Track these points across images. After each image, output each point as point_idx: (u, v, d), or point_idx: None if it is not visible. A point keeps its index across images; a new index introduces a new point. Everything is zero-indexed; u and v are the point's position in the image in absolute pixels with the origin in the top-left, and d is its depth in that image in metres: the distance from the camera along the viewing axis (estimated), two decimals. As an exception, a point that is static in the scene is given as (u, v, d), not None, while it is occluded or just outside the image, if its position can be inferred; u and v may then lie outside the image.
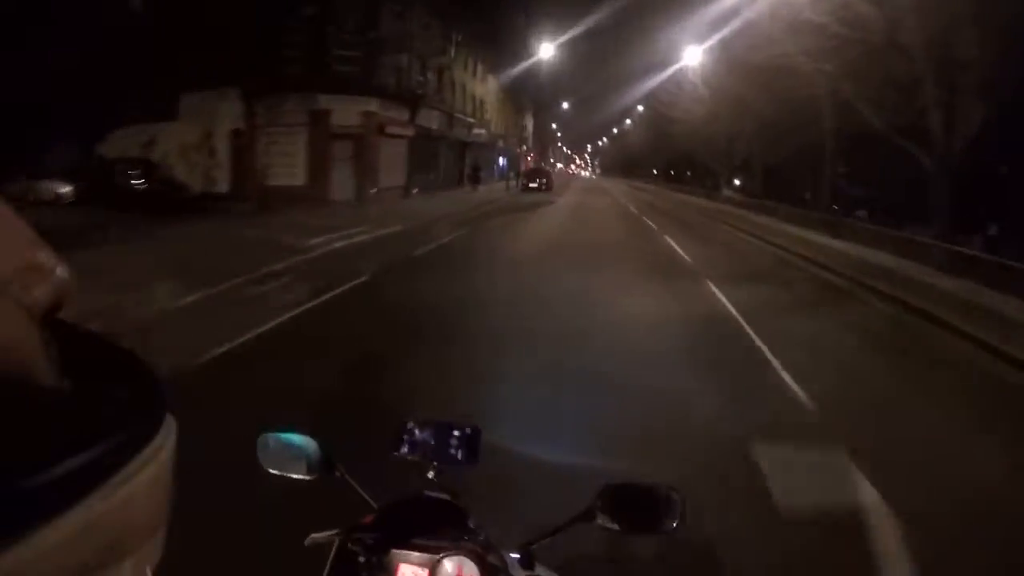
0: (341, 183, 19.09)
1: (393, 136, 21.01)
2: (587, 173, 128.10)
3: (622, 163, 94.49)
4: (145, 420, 0.30)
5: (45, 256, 0.30)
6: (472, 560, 0.97)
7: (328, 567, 1.02)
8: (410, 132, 22.78)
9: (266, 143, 18.25)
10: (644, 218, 20.56)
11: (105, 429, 0.27)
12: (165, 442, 0.31)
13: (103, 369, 0.32)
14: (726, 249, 14.11)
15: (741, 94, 22.98)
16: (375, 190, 19.55)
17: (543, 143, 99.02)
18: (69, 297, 0.31)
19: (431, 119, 25.48)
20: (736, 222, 19.59)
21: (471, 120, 33.70)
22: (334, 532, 1.05)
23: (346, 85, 18.50)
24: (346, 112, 18.82)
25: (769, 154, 25.65)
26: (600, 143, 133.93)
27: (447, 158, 30.28)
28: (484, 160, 38.62)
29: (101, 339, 0.33)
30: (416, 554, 1.00)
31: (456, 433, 1.18)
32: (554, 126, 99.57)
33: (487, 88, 40.56)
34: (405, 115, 22.40)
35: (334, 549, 1.03)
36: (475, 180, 30.13)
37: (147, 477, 0.29)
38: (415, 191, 23.53)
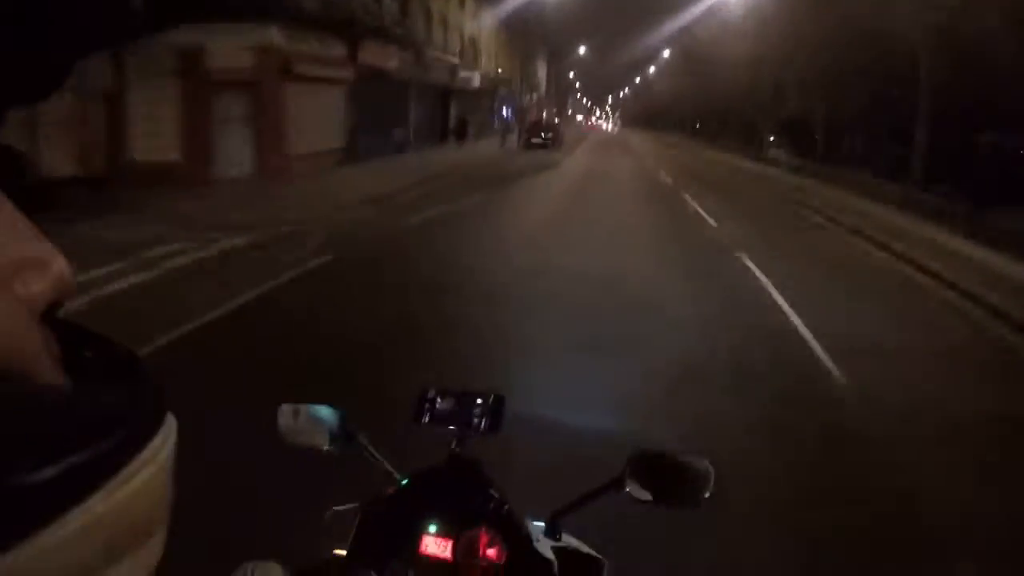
0: (231, 153, 13.66)
1: (317, 81, 15.20)
2: (608, 126, 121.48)
3: (646, 116, 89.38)
4: (145, 420, 0.32)
5: (46, 251, 0.33)
6: (497, 530, 1.02)
7: (351, 539, 1.06)
8: (347, 74, 16.87)
9: (139, 105, 13.15)
10: (685, 196, 14.33)
11: (105, 429, 0.29)
12: (165, 442, 0.33)
13: (103, 368, 0.34)
14: (874, 294, 7.31)
15: (801, 28, 19.22)
16: (285, 158, 13.88)
17: (561, 93, 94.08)
18: (70, 293, 0.33)
19: (388, 57, 19.26)
20: (833, 211, 13.34)
21: (454, 61, 26.99)
22: (356, 504, 1.10)
23: (232, 9, 12.68)
24: (230, 50, 13.13)
25: (834, 109, 20.99)
26: (622, 94, 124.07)
27: (421, 109, 24.12)
28: (477, 111, 32.97)
29: (101, 337, 0.36)
30: (440, 525, 1.04)
31: (479, 401, 1.20)
32: (572, 75, 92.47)
33: (479, 25, 34.06)
34: (340, 51, 16.53)
35: (356, 521, 1.08)
36: (461, 135, 24.27)
37: (147, 477, 0.30)
38: (363, 154, 17.44)
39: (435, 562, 1.04)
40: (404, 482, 1.11)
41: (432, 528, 1.05)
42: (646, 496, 1.10)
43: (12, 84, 0.32)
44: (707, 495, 1.09)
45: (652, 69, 73.31)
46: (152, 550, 0.31)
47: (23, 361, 0.27)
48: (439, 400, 1.21)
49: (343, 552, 1.06)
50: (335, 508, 1.14)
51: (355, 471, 1.17)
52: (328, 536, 1.08)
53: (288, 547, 1.08)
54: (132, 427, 0.29)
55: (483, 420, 1.19)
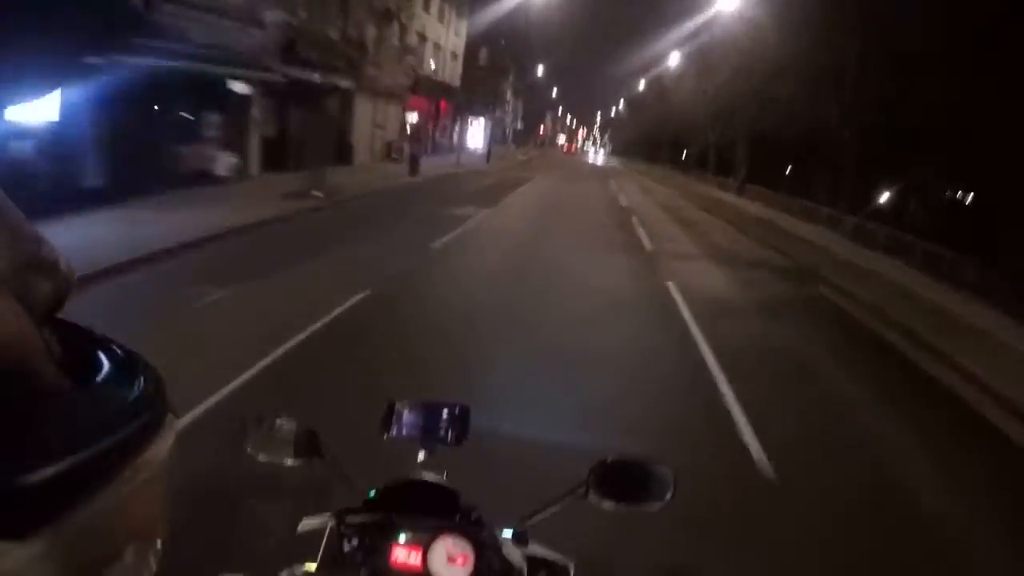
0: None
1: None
2: (594, 152, 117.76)
3: (643, 142, 77.09)
4: (146, 420, 0.34)
5: (47, 253, 0.35)
6: (465, 539, 1.18)
7: (321, 552, 1.22)
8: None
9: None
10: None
11: (106, 429, 0.31)
12: (165, 442, 0.35)
13: (104, 368, 0.37)
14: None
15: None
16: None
17: (538, 111, 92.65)
18: (71, 294, 0.37)
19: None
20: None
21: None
22: (326, 517, 1.24)
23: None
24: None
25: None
26: (614, 111, 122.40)
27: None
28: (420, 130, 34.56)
29: (103, 338, 0.39)
30: (409, 535, 1.18)
31: (445, 413, 1.38)
32: (554, 92, 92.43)
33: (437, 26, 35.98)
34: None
35: (327, 534, 1.22)
36: (413, 163, 23.73)
37: (147, 477, 0.33)
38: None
39: (406, 572, 1.20)
40: (372, 494, 1.26)
41: (402, 538, 1.19)
42: (608, 502, 1.29)
43: (17, 81, 0.37)
44: (668, 498, 1.28)
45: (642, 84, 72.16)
46: (152, 550, 0.35)
47: (25, 362, 0.30)
48: (406, 413, 1.38)
49: (313, 566, 1.22)
50: (306, 520, 1.28)
51: (327, 484, 1.36)
52: (300, 548, 1.23)
53: (262, 558, 1.27)
54: (133, 427, 0.33)
55: (449, 431, 1.37)
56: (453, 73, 40.51)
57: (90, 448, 0.29)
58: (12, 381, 0.28)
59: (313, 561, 1.23)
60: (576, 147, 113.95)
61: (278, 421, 1.37)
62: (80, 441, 0.29)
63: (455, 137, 41.68)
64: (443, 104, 39.18)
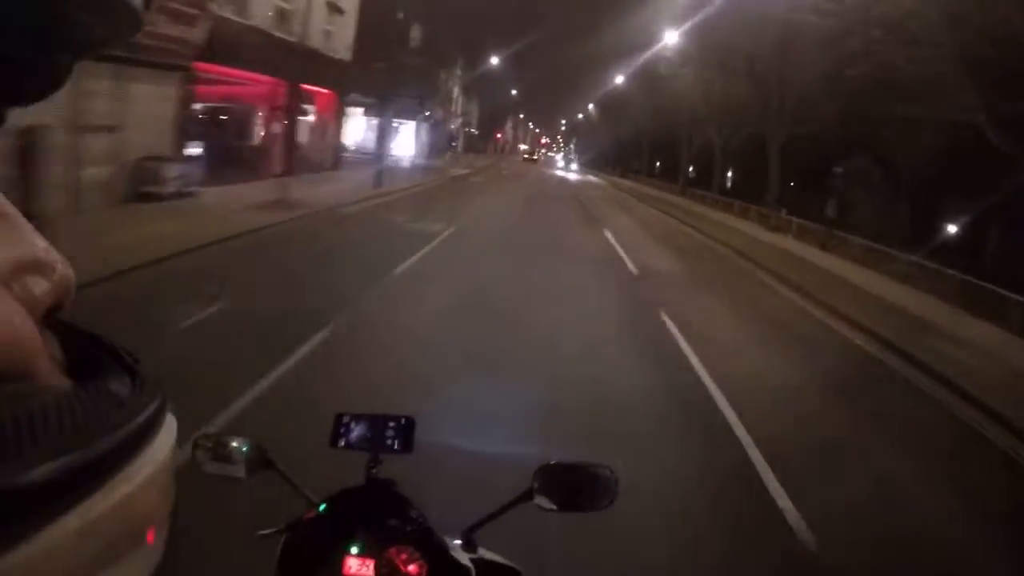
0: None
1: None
2: (562, 161, 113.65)
3: (621, 148, 72.95)
4: (145, 420, 0.36)
5: (47, 255, 0.37)
6: (416, 547, 1.31)
7: (276, 563, 1.35)
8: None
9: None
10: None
11: (105, 429, 0.33)
12: (165, 443, 0.37)
13: (104, 369, 0.38)
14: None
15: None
16: None
17: (497, 114, 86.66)
18: (70, 296, 0.38)
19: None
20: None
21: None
22: (279, 529, 1.41)
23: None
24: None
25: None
26: (581, 115, 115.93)
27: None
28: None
29: (102, 339, 0.41)
30: (361, 546, 1.33)
31: (391, 424, 1.54)
32: (514, 93, 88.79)
33: None
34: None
35: (280, 547, 1.37)
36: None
37: (147, 477, 0.34)
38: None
39: None
40: (323, 506, 1.41)
41: (354, 549, 1.33)
42: (553, 506, 1.46)
43: (12, 85, 0.38)
44: (610, 501, 1.46)
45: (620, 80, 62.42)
46: (152, 550, 0.38)
47: (24, 363, 0.32)
48: (353, 424, 1.56)
49: None
50: (260, 533, 1.42)
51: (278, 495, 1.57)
52: (256, 558, 1.40)
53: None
54: (132, 428, 0.35)
55: (395, 441, 1.53)
56: (337, 38, 26.80)
57: (89, 448, 0.31)
58: (11, 381, 0.31)
59: (268, 574, 1.35)
60: (540, 155, 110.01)
61: (229, 438, 1.54)
62: (79, 441, 0.31)
63: (334, 143, 29.47)
64: (308, 89, 24.87)
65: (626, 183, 59.79)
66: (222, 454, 1.51)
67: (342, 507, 1.40)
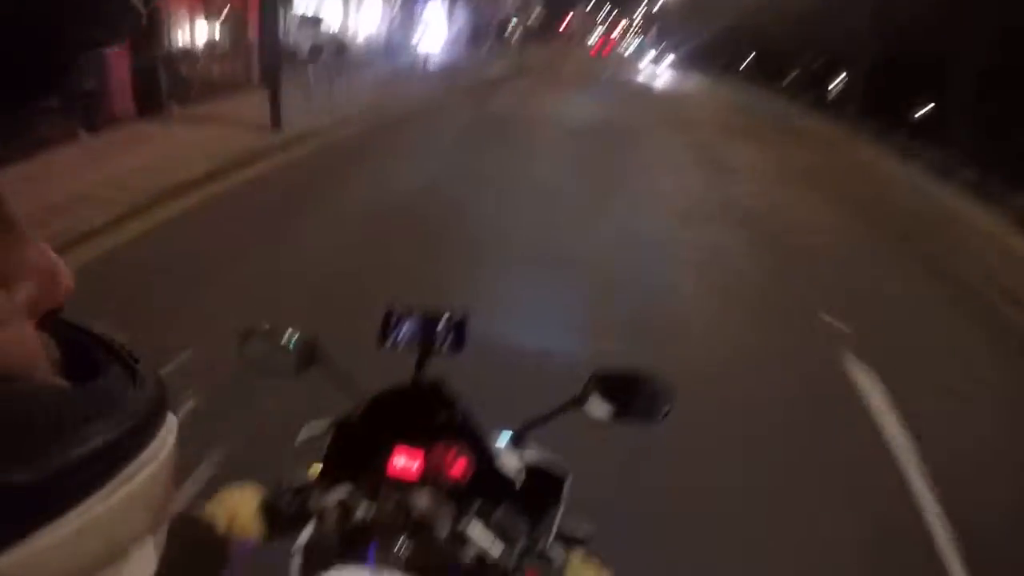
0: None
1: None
2: (640, 53, 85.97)
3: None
4: (145, 420, 0.36)
5: (45, 256, 0.38)
6: (463, 444, 1.38)
7: (324, 456, 1.43)
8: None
9: None
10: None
11: (105, 428, 0.33)
12: (165, 442, 0.37)
13: (103, 368, 0.38)
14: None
15: None
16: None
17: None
18: (69, 296, 0.38)
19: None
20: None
21: None
22: (326, 424, 1.46)
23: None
24: None
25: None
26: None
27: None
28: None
29: (102, 338, 0.41)
30: (408, 441, 1.38)
31: (443, 320, 1.55)
32: None
33: None
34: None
35: (327, 441, 1.44)
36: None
37: (147, 477, 0.35)
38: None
39: (405, 476, 1.43)
40: (372, 400, 1.48)
41: (401, 444, 1.42)
42: (606, 413, 1.50)
43: (7, 87, 0.37)
44: (666, 412, 1.49)
45: None
46: (152, 551, 0.38)
47: (23, 363, 0.34)
48: (404, 321, 1.59)
49: (316, 468, 1.46)
50: (307, 426, 1.50)
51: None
52: (301, 454, 1.46)
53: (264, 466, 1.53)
54: (132, 427, 0.36)
55: (447, 339, 1.57)
56: None
57: (88, 447, 0.32)
58: (9, 381, 0.32)
59: (314, 466, 1.44)
60: (610, 45, 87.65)
61: (279, 333, 1.56)
62: (78, 441, 0.32)
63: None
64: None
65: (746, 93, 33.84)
66: (270, 348, 1.55)
67: (390, 404, 1.47)
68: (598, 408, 1.48)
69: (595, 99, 23.90)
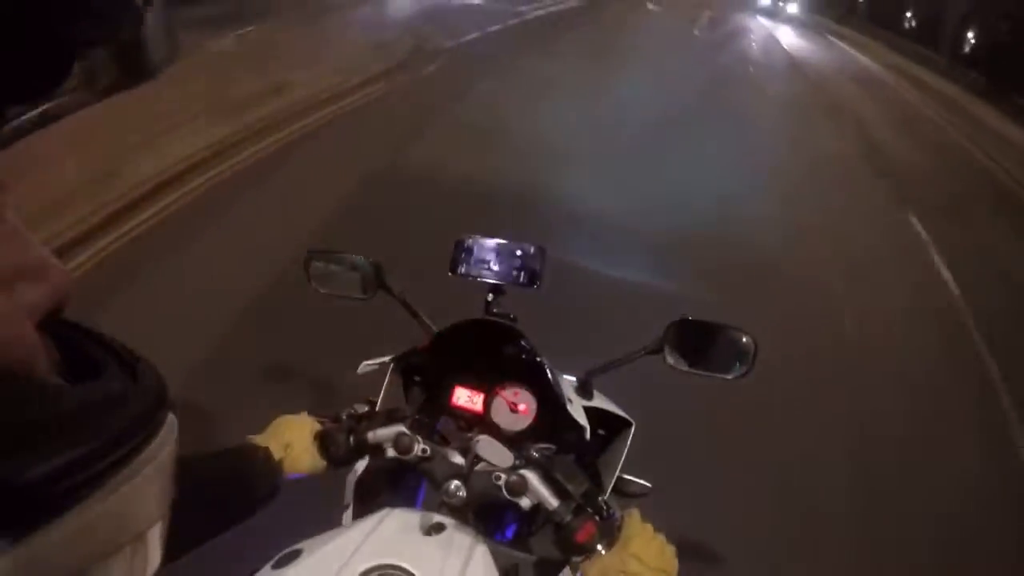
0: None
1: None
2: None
3: None
4: (146, 420, 0.38)
5: (45, 258, 0.39)
6: (528, 387, 1.34)
7: (383, 390, 1.40)
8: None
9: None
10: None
11: (105, 428, 0.34)
12: (165, 442, 0.39)
13: (103, 369, 0.40)
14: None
15: None
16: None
17: None
18: (68, 298, 0.39)
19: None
20: None
21: None
22: (390, 357, 1.43)
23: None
24: None
25: None
26: None
27: None
28: None
29: (102, 338, 0.42)
30: (472, 378, 1.37)
31: (519, 253, 1.48)
32: None
33: None
34: None
35: (388, 373, 1.42)
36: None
37: (147, 477, 0.36)
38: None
39: (467, 414, 1.38)
40: (438, 334, 1.44)
41: (464, 381, 1.38)
42: (683, 364, 1.43)
43: (13, 81, 0.39)
44: (746, 370, 1.41)
45: None
46: (151, 549, 0.40)
47: (22, 365, 0.34)
48: (476, 250, 1.53)
49: (375, 403, 1.41)
50: (367, 363, 1.47)
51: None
52: (362, 388, 1.43)
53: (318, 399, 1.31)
54: (132, 427, 0.37)
55: (522, 273, 1.49)
56: None
57: (88, 447, 0.32)
58: (9, 382, 0.32)
59: (375, 399, 1.40)
60: None
61: (345, 256, 1.56)
62: (77, 440, 0.32)
63: None
64: None
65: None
66: (336, 271, 1.55)
67: (457, 337, 1.41)
68: (674, 358, 1.41)
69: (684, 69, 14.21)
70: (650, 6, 26.38)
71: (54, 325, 0.39)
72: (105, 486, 0.33)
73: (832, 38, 25.67)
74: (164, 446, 0.39)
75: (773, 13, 33.91)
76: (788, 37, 24.27)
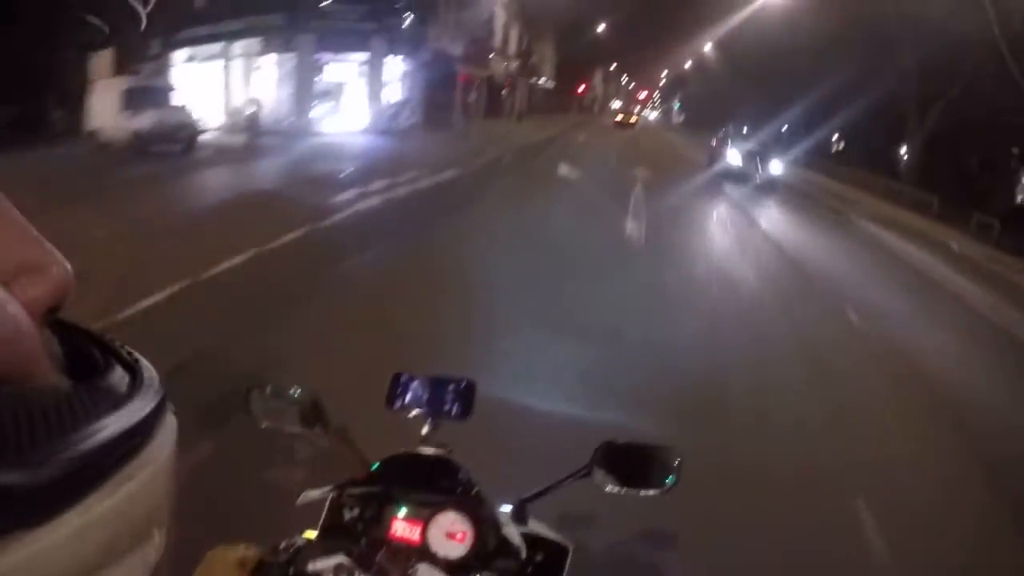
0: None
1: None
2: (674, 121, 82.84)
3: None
4: (145, 420, 0.37)
5: (46, 254, 0.39)
6: (465, 515, 1.35)
7: (321, 523, 1.45)
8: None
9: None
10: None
11: (105, 428, 0.34)
12: (165, 442, 0.39)
13: (103, 368, 0.40)
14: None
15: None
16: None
17: (580, 62, 70.07)
18: (70, 295, 0.39)
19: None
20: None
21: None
22: (328, 488, 1.45)
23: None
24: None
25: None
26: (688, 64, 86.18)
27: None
28: None
29: (102, 337, 0.42)
30: (410, 509, 1.38)
31: (450, 387, 1.57)
32: (601, 29, 71.08)
33: None
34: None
35: (327, 505, 1.46)
36: None
37: (147, 477, 0.36)
38: None
39: (404, 545, 1.41)
40: (375, 466, 1.48)
41: (402, 512, 1.40)
42: (614, 483, 1.52)
43: (15, 84, 0.39)
44: (673, 482, 1.51)
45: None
46: (152, 551, 0.39)
47: (23, 362, 0.34)
48: (411, 385, 1.62)
49: (313, 534, 1.45)
50: (307, 493, 1.49)
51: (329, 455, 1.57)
52: (300, 520, 1.45)
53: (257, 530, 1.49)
54: (132, 427, 0.37)
55: (454, 405, 1.58)
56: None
57: (88, 447, 0.32)
58: (8, 382, 0.32)
59: (313, 530, 1.44)
60: (637, 118, 76.28)
61: (284, 389, 1.60)
62: (77, 440, 0.32)
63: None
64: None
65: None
66: (276, 406, 1.58)
67: (394, 468, 1.47)
68: (603, 480, 1.49)
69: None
70: (562, 171, 20.96)
71: (54, 324, 0.40)
72: (105, 487, 0.33)
73: (866, 223, 17.52)
74: (164, 447, 0.39)
75: (745, 178, 23.48)
76: (785, 233, 15.41)
